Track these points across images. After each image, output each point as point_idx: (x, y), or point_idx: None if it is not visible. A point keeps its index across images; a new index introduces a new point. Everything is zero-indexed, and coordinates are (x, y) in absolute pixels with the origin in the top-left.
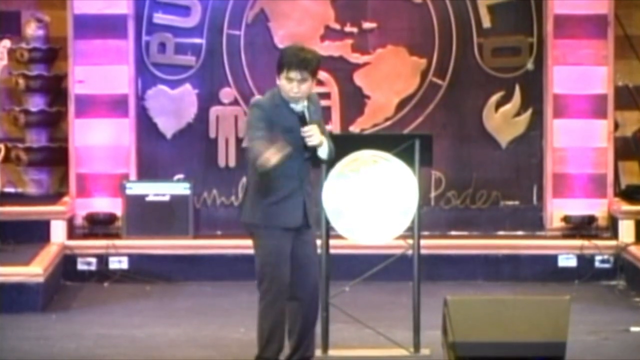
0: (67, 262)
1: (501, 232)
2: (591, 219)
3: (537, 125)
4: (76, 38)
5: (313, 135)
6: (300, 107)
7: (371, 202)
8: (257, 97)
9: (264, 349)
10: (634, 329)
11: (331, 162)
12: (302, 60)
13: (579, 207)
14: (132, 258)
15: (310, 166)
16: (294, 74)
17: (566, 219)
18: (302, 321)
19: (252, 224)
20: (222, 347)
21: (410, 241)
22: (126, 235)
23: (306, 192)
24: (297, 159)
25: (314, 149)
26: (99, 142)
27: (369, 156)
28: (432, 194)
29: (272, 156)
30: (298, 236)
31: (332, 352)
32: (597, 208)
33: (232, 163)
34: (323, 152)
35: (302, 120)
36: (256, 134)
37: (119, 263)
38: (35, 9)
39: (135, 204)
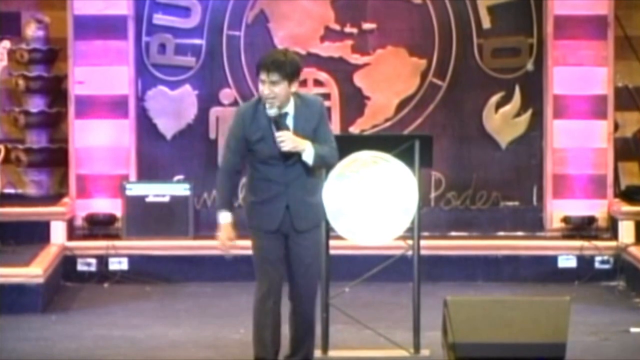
0: (67, 263)
1: (501, 233)
2: (591, 220)
3: (537, 126)
4: (76, 39)
5: (285, 141)
6: (273, 112)
7: (371, 202)
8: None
9: (256, 349)
10: (634, 329)
11: (328, 167)
12: (271, 62)
13: (578, 207)
14: (132, 259)
15: (304, 171)
16: (263, 76)
17: (566, 219)
18: (297, 323)
19: (247, 224)
20: (222, 347)
21: (410, 242)
22: (126, 236)
23: (294, 197)
24: (278, 166)
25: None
26: (99, 143)
27: (368, 157)
28: (432, 195)
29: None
30: (288, 239)
31: (332, 353)
32: (597, 209)
33: None
34: (308, 158)
35: (276, 125)
36: (227, 145)
37: (119, 264)
38: (35, 9)
39: (135, 204)
